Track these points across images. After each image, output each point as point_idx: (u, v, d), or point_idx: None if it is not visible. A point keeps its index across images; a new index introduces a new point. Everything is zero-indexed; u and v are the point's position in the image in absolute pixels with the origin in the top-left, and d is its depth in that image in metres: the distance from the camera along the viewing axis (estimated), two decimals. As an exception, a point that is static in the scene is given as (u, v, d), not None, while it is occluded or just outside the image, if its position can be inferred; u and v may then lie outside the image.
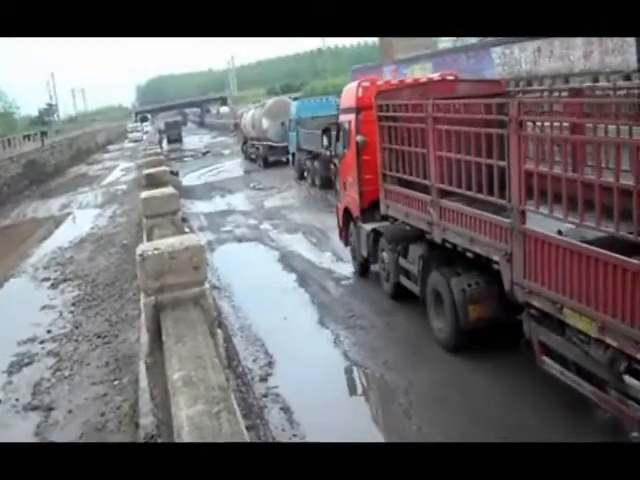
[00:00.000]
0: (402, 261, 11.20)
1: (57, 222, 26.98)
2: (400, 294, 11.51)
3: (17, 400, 9.92)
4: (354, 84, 13.29)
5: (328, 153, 15.92)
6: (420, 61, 44.98)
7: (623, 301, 5.96)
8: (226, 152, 49.29)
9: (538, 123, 8.12)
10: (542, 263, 7.19)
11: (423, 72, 45.26)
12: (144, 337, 4.95)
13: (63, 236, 23.23)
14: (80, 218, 27.42)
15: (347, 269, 14.23)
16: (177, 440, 2.28)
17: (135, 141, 71.24)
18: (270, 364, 10.07)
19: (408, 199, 10.76)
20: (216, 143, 61.13)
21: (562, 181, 6.77)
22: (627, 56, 25.47)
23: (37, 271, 18.25)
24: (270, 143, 34.63)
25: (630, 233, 6.02)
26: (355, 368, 9.75)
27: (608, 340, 6.29)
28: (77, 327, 12.88)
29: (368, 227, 12.42)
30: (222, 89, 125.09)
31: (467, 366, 9.13)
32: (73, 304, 14.49)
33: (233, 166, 39.96)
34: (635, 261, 5.79)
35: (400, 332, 10.71)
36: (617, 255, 6.01)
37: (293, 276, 14.60)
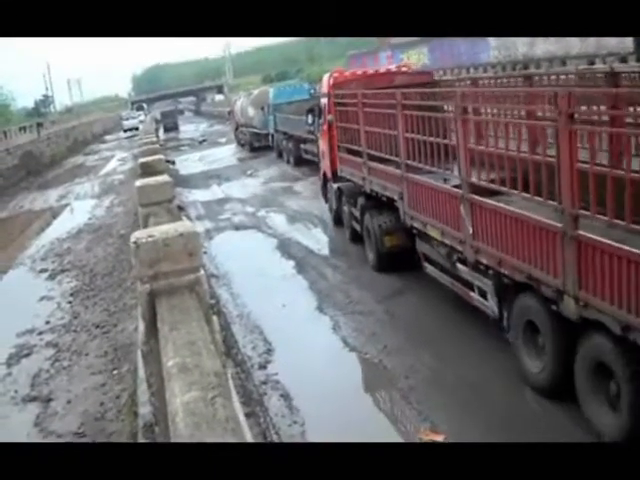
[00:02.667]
0: (353, 210, 14.26)
1: (54, 213, 26.92)
2: (354, 237, 14.49)
3: (16, 392, 9.92)
4: (329, 74, 16.69)
5: (309, 130, 19.91)
6: (416, 46, 44.86)
7: (451, 215, 9.25)
8: (222, 140, 49.18)
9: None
10: (416, 198, 10.65)
11: (419, 57, 45.29)
12: (142, 326, 4.94)
13: (61, 227, 23.20)
14: (77, 209, 27.38)
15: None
16: (171, 427, 2.25)
17: (130, 129, 67.35)
18: (269, 351, 10.06)
19: (352, 163, 14.06)
20: (212, 131, 60.99)
21: (440, 145, 9.52)
22: (623, 38, 25.38)
23: (35, 262, 18.23)
24: (255, 130, 36.61)
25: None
26: (354, 354, 9.74)
27: (446, 241, 9.64)
28: (75, 317, 12.87)
29: (335, 186, 15.68)
30: (218, 77, 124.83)
31: (464, 348, 9.15)
32: (71, 295, 14.49)
33: (229, 153, 40.13)
34: (454, 190, 9.14)
35: (399, 317, 10.70)
36: (449, 188, 9.39)
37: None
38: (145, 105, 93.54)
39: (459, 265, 9.44)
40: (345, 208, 14.96)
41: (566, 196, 6.54)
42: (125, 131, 71.28)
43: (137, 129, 57.95)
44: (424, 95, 11.32)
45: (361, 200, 13.58)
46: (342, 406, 8.18)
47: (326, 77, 16.50)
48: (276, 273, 14.01)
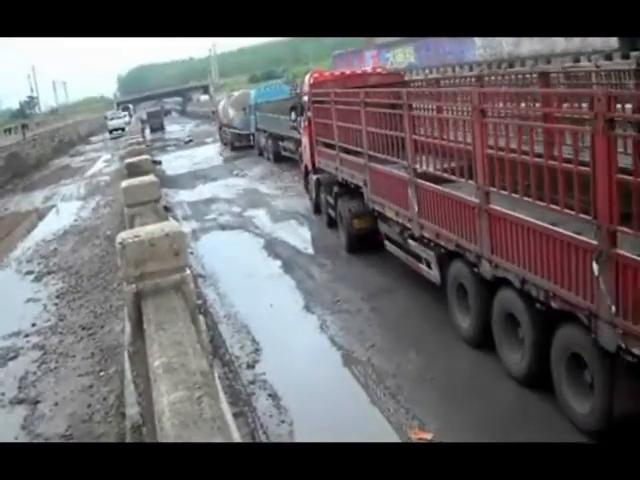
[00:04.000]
0: (329, 198, 15.58)
1: (40, 215, 26.79)
2: (330, 223, 15.90)
3: (3, 394, 9.87)
4: (309, 74, 18.05)
5: (292, 126, 20.65)
6: (402, 45, 44.88)
7: (403, 197, 10.58)
8: (208, 140, 49.17)
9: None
10: (377, 184, 12.11)
11: (405, 56, 45.33)
12: (128, 327, 4.92)
13: (47, 229, 23.07)
14: (63, 210, 27.25)
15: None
16: (158, 426, 2.25)
17: (116, 130, 66.35)
18: (257, 351, 10.05)
19: (327, 155, 15.43)
20: (198, 132, 60.83)
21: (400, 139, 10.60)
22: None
23: (21, 264, 18.13)
24: (236, 131, 37.84)
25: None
26: (342, 352, 9.76)
27: (399, 220, 11.08)
28: (62, 319, 12.82)
29: (314, 177, 16.92)
30: (204, 77, 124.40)
31: (452, 343, 9.18)
32: (57, 296, 14.42)
33: (214, 153, 40.30)
34: (403, 175, 10.55)
35: (386, 315, 10.73)
36: (400, 174, 10.78)
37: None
38: (131, 106, 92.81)
39: (410, 240, 10.93)
40: (323, 197, 16.34)
41: (480, 176, 8.04)
42: (110, 132, 70.09)
43: (123, 129, 57.48)
44: (385, 94, 12.10)
45: (335, 188, 14.98)
46: (330, 405, 8.19)
47: (307, 77, 17.85)
48: (263, 272, 14.01)
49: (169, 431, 2.14)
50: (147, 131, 57.21)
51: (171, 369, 2.59)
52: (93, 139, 77.53)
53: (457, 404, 7.90)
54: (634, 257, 5.69)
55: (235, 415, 7.57)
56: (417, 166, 10.10)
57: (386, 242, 12.50)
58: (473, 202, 8.25)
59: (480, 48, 36.48)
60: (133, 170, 8.54)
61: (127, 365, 6.54)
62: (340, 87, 14.84)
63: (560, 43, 29.25)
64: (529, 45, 31.88)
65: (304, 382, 8.99)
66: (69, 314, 13.07)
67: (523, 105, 8.06)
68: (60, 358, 10.88)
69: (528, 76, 11.96)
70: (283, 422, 8.00)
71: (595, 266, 6.03)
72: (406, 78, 17.82)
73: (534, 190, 7.00)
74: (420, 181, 9.97)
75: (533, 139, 7.17)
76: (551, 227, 6.76)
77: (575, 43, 28.26)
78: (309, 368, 9.47)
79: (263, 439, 7.63)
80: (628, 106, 6.36)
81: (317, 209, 17.49)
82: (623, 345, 5.86)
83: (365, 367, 9.17)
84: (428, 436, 7.25)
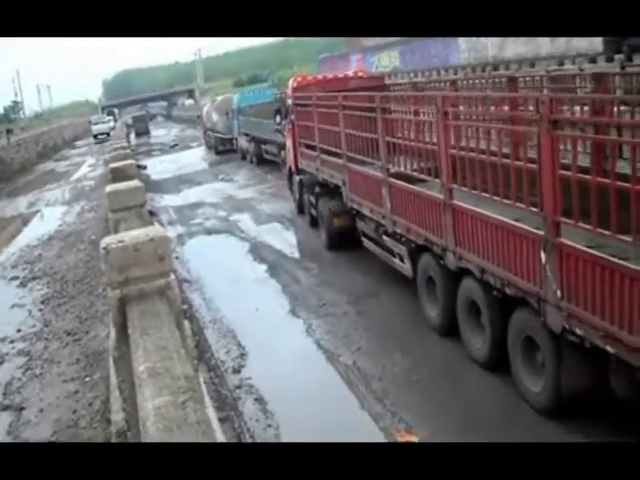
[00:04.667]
0: (311, 198, 16.18)
1: (25, 220, 26.63)
2: (312, 222, 16.46)
3: (-12, 400, 9.81)
4: (293, 78, 18.66)
5: (276, 129, 21.57)
6: (387, 49, 44.98)
7: (378, 195, 11.13)
8: (193, 144, 49.12)
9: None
10: (354, 184, 12.71)
11: (390, 59, 45.43)
12: (113, 332, 4.91)
13: (31, 234, 22.95)
14: (48, 215, 27.10)
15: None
16: (142, 431, 2.25)
17: (100, 135, 65.53)
18: (243, 355, 10.05)
19: (309, 156, 15.93)
20: (184, 136, 60.67)
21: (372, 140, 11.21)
22: (593, 39, 25.62)
23: (5, 270, 18.02)
24: (220, 135, 38.37)
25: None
26: (328, 356, 9.76)
27: (374, 217, 11.66)
28: (47, 325, 12.76)
29: (298, 178, 17.47)
30: (189, 81, 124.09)
31: (438, 346, 9.21)
32: (42, 302, 14.35)
33: (199, 158, 40.31)
34: (378, 175, 11.10)
35: (372, 319, 10.76)
36: (374, 173, 11.33)
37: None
38: (116, 110, 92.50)
39: (384, 237, 11.49)
40: (305, 197, 16.93)
41: (444, 174, 8.70)
42: (95, 137, 69.20)
43: (108, 135, 57.06)
44: (360, 98, 12.44)
45: (317, 189, 15.64)
46: (316, 409, 8.20)
47: (291, 81, 18.31)
48: (249, 277, 14.00)
49: (153, 436, 2.15)
50: (132, 135, 56.92)
51: (156, 374, 2.59)
52: (78, 143, 77.12)
53: (442, 406, 7.93)
54: (575, 245, 6.26)
55: (221, 420, 7.57)
56: (390, 166, 10.67)
57: (363, 239, 13.06)
58: (438, 199, 8.93)
59: (465, 51, 36.63)
60: (118, 175, 8.51)
61: (112, 371, 6.53)
62: (322, 91, 15.17)
63: (545, 46, 29.39)
64: (513, 48, 32.01)
65: (290, 386, 8.99)
66: (54, 320, 13.01)
67: (480, 108, 8.95)
68: (45, 364, 10.83)
69: (497, 80, 12.91)
70: (269, 426, 8.00)
71: (542, 255, 6.67)
72: (388, 82, 18.76)
73: (491, 186, 7.64)
74: (392, 180, 10.57)
75: (489, 139, 8.07)
76: (505, 220, 7.37)
77: (560, 46, 28.40)
78: (295, 372, 9.47)
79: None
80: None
81: (301, 209, 18.01)
82: (567, 326, 6.46)
83: (351, 370, 9.17)
84: (415, 439, 7.26)
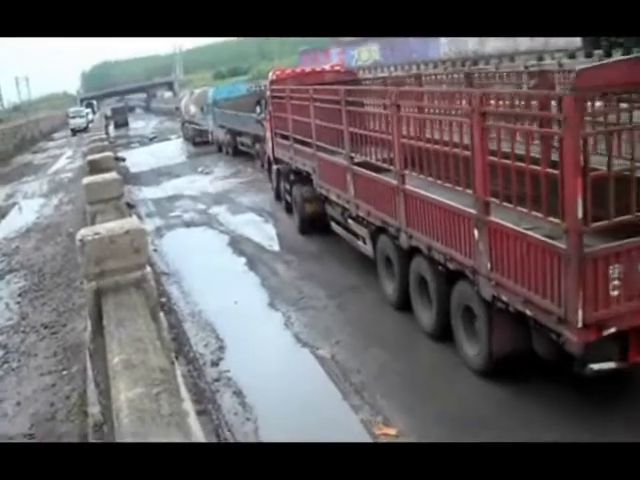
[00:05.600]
0: (286, 185, 17.13)
1: (2, 212, 26.34)
2: (288, 208, 17.27)
3: (-36, 395, 9.72)
4: (272, 71, 19.44)
5: (257, 120, 22.50)
6: (367, 43, 45.01)
7: (343, 182, 11.95)
8: (172, 137, 48.96)
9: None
10: (323, 171, 13.45)
11: (370, 54, 45.48)
12: (89, 324, 4.89)
13: (8, 226, 22.74)
14: (26, 208, 26.84)
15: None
16: (116, 423, 2.24)
17: (78, 129, 63.78)
18: (221, 348, 10.03)
19: (284, 146, 16.66)
20: (163, 128, 60.41)
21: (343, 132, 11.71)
22: (570, 35, 25.76)
23: (-18, 263, 17.86)
24: (197, 127, 39.50)
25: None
26: (307, 349, 9.76)
27: (340, 202, 12.52)
28: (24, 318, 12.64)
29: (275, 167, 18.33)
30: (169, 73, 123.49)
31: (412, 339, 9.25)
32: (20, 295, 14.22)
33: (178, 150, 40.31)
34: (341, 161, 11.98)
35: (351, 312, 10.78)
36: (340, 161, 12.03)
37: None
38: (95, 102, 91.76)
39: (349, 220, 12.35)
40: (282, 185, 17.84)
41: (397, 161, 9.53)
42: (73, 131, 67.42)
43: (85, 129, 56.26)
44: (328, 91, 13.03)
45: (291, 176, 16.58)
46: (295, 402, 8.21)
47: (270, 74, 19.00)
48: (228, 270, 13.98)
49: (127, 427, 2.15)
50: (111, 127, 56.62)
51: (130, 366, 2.59)
52: (56, 136, 76.42)
53: (421, 398, 7.97)
54: (500, 222, 7.12)
55: (199, 413, 7.55)
56: (353, 155, 11.44)
57: (332, 223, 13.95)
58: (393, 184, 9.77)
59: (445, 46, 36.72)
60: (95, 167, 8.47)
61: (90, 363, 6.50)
62: (299, 84, 15.65)
63: (524, 41, 29.55)
64: (493, 43, 32.15)
65: (269, 379, 8.98)
66: (32, 312, 12.91)
67: (426, 102, 9.76)
68: (22, 357, 10.74)
69: (456, 76, 13.92)
70: (248, 419, 7.99)
71: (475, 232, 7.55)
72: (362, 76, 19.98)
73: (435, 172, 8.54)
74: (355, 167, 11.38)
75: (433, 129, 9.03)
76: (445, 201, 8.28)
77: (539, 41, 28.55)
78: (274, 365, 9.46)
79: (228, 436, 7.62)
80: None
81: (278, 197, 18.89)
82: (496, 294, 7.34)
83: (330, 364, 9.18)
84: (392, 431, 7.29)
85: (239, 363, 9.46)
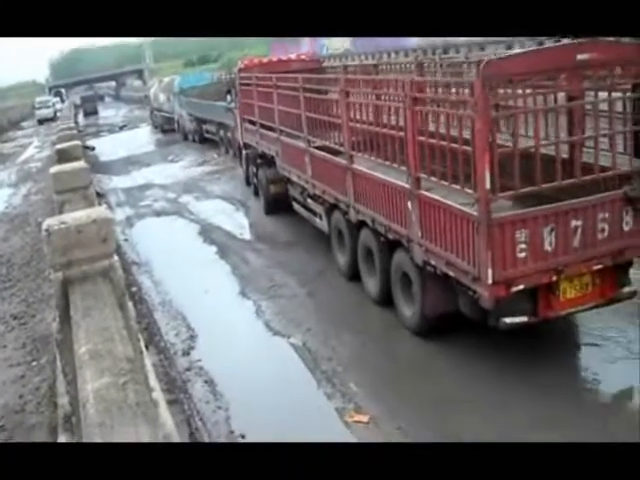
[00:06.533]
0: (253, 169, 17.90)
1: (-31, 203, 26.02)
2: (255, 191, 18.08)
3: None
4: (242, 60, 20.81)
5: (228, 107, 22.87)
6: (338, 31, 44.84)
7: (302, 163, 12.74)
8: (142, 125, 48.61)
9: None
10: (285, 154, 14.22)
11: (341, 42, 45.37)
12: (57, 315, 4.85)
13: (-25, 217, 22.45)
14: (-7, 198, 26.53)
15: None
16: (82, 413, 2.23)
17: (46, 120, 61.54)
18: (192, 338, 10.01)
19: (251, 131, 17.37)
20: (132, 117, 59.88)
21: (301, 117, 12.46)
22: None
23: (-51, 253, 17.60)
24: (166, 115, 39.70)
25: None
26: (278, 337, 9.77)
27: (300, 182, 13.26)
28: (-8, 309, 12.51)
29: (245, 152, 18.97)
30: (139, 62, 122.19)
31: (384, 328, 9.30)
32: (-13, 286, 14.07)
33: (148, 138, 40.27)
34: (300, 144, 12.70)
35: (322, 300, 10.81)
36: (299, 144, 12.76)
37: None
38: (63, 90, 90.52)
39: (308, 199, 13.15)
40: (250, 169, 18.57)
41: (346, 142, 10.37)
42: (40, 121, 65.15)
43: (53, 119, 55.39)
44: (289, 79, 13.56)
45: (258, 160, 17.33)
46: (266, 391, 8.21)
47: (239, 63, 19.79)
48: (199, 258, 13.94)
49: (93, 418, 2.13)
50: (80, 116, 56.04)
51: (97, 355, 2.57)
52: (24, 124, 75.25)
53: (392, 385, 8.02)
54: (428, 194, 7.97)
55: (170, 402, 7.53)
56: (310, 138, 12.21)
57: (293, 203, 14.75)
58: (343, 164, 10.55)
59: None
60: (63, 156, 8.38)
61: (58, 354, 6.45)
62: (266, 72, 16.09)
63: (492, 30, 29.65)
64: (463, 32, 32.22)
65: (240, 368, 8.98)
66: (0, 303, 12.77)
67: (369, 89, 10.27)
68: (-10, 349, 10.63)
69: (409, 66, 14.27)
70: (219, 408, 7.99)
71: (409, 204, 8.39)
72: (337, 65, 20.47)
73: (379, 152, 9.42)
74: (312, 149, 12.16)
75: (377, 114, 9.74)
76: (384, 177, 9.17)
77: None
78: (245, 354, 9.45)
79: (199, 425, 7.62)
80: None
81: (248, 182, 19.50)
82: (426, 259, 8.18)
83: (301, 351, 9.20)
84: (365, 418, 7.33)
85: (210, 352, 9.45)
